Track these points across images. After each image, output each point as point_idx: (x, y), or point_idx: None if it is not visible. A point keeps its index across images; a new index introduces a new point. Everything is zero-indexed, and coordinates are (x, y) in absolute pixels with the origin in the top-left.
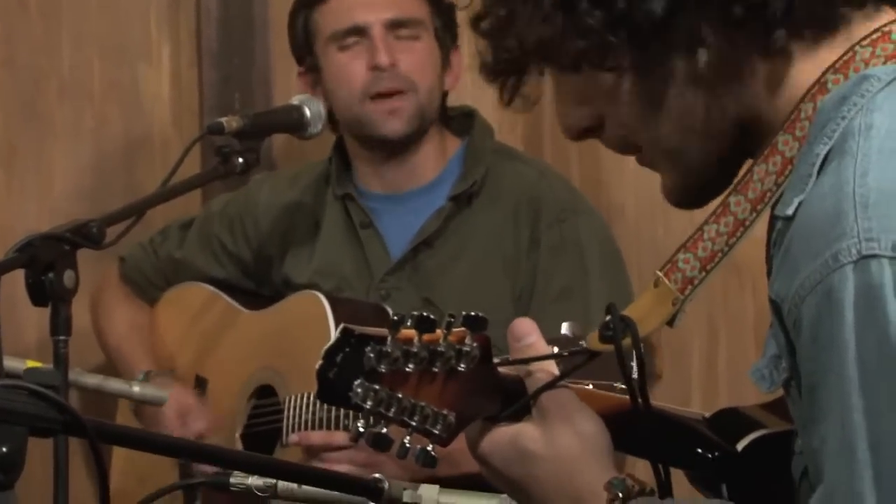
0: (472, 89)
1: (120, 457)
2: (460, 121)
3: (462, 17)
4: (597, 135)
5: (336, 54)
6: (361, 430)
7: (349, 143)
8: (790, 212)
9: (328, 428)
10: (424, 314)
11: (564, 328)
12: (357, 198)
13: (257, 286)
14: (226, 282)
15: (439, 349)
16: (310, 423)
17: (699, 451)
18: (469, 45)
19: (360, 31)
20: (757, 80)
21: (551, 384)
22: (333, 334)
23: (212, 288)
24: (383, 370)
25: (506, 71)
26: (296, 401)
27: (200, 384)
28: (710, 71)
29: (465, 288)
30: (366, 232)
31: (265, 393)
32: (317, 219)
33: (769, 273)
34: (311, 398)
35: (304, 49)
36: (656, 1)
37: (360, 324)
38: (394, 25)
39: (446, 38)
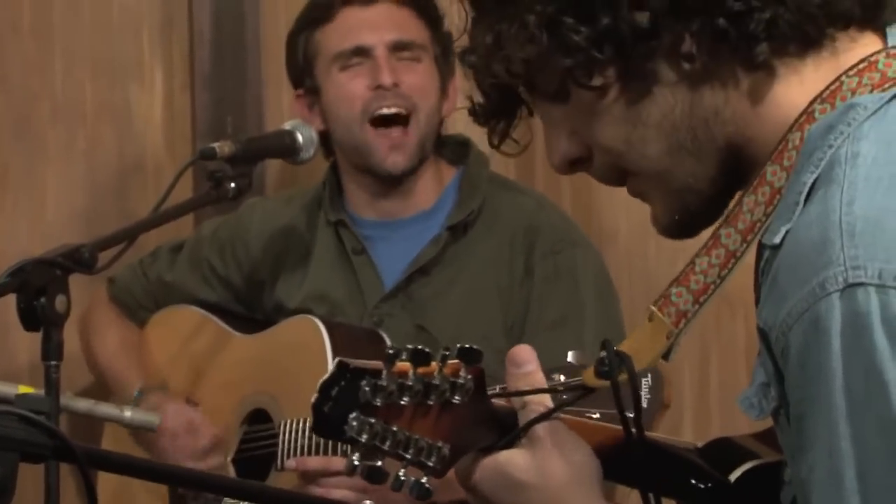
0: (464, 116)
1: (109, 481)
2: (454, 149)
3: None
4: (586, 167)
5: (337, 74)
6: (356, 462)
7: (344, 169)
8: (777, 240)
9: (325, 453)
10: (419, 348)
11: (570, 356)
12: (350, 224)
13: (248, 310)
14: (216, 305)
15: (434, 382)
16: (306, 448)
17: (692, 481)
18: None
19: (363, 52)
20: (741, 95)
21: (544, 416)
22: (330, 360)
23: (202, 311)
24: (378, 403)
25: (496, 110)
26: (291, 426)
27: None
28: (694, 83)
29: (459, 316)
30: (358, 258)
31: (258, 417)
32: (308, 244)
33: (757, 301)
34: (308, 423)
35: (304, 70)
36: (641, 13)
37: (356, 348)
38: (397, 47)
39: (444, 65)
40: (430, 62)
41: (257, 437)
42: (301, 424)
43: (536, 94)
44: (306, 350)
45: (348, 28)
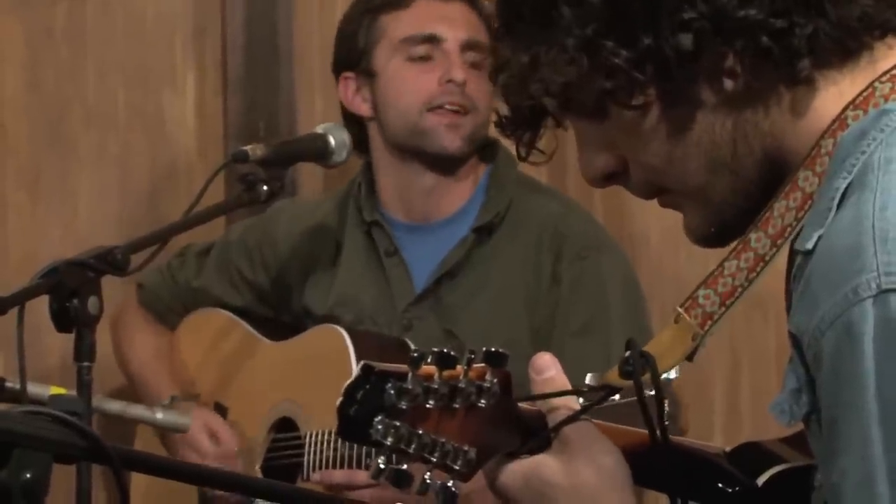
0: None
1: (140, 483)
2: (483, 150)
3: None
4: (621, 180)
5: (402, 63)
6: (382, 466)
7: (382, 165)
8: (809, 246)
9: (349, 466)
10: (445, 350)
11: (588, 379)
12: (384, 225)
13: (277, 314)
14: (244, 309)
15: (460, 385)
16: (331, 461)
17: (720, 485)
18: None
19: (435, 41)
20: (782, 109)
21: (573, 418)
22: (355, 370)
23: (231, 315)
24: (404, 407)
25: (524, 123)
26: (317, 437)
27: (221, 412)
28: (736, 101)
29: (487, 321)
30: (390, 260)
31: (285, 425)
32: (337, 247)
33: (788, 307)
34: (333, 435)
35: (361, 53)
36: (684, 35)
37: (383, 358)
38: (467, 46)
39: None
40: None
41: (284, 447)
42: (326, 436)
43: (572, 111)
44: (330, 360)
45: (424, 16)
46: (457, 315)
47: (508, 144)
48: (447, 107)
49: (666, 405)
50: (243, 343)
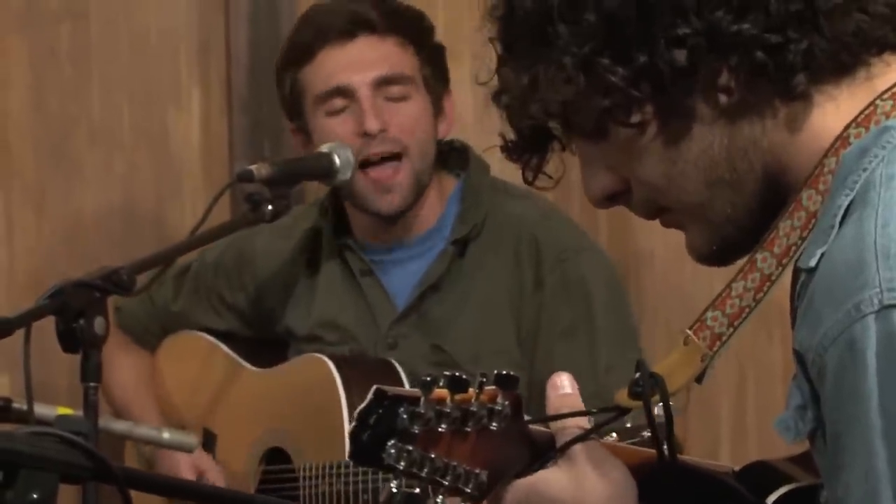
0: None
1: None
2: (453, 157)
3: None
4: (624, 201)
5: (323, 119)
6: (394, 490)
7: (347, 203)
8: (813, 263)
9: (346, 502)
10: (456, 374)
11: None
12: (355, 248)
13: (258, 335)
14: (225, 332)
15: (471, 409)
16: (326, 496)
17: None
18: (473, 91)
19: (346, 93)
20: (779, 125)
21: (581, 437)
22: (343, 398)
23: (210, 338)
24: (416, 431)
25: (529, 147)
26: (312, 471)
27: (209, 438)
28: (733, 117)
29: (474, 333)
30: (366, 280)
31: (276, 454)
32: (315, 268)
33: (793, 324)
34: (327, 469)
35: (293, 109)
36: (678, 51)
37: (369, 381)
38: (381, 84)
39: (437, 85)
40: (420, 92)
41: (276, 479)
42: (321, 470)
43: (573, 131)
44: (318, 390)
45: (329, 69)
46: (443, 329)
47: (477, 146)
48: (372, 159)
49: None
50: (227, 369)
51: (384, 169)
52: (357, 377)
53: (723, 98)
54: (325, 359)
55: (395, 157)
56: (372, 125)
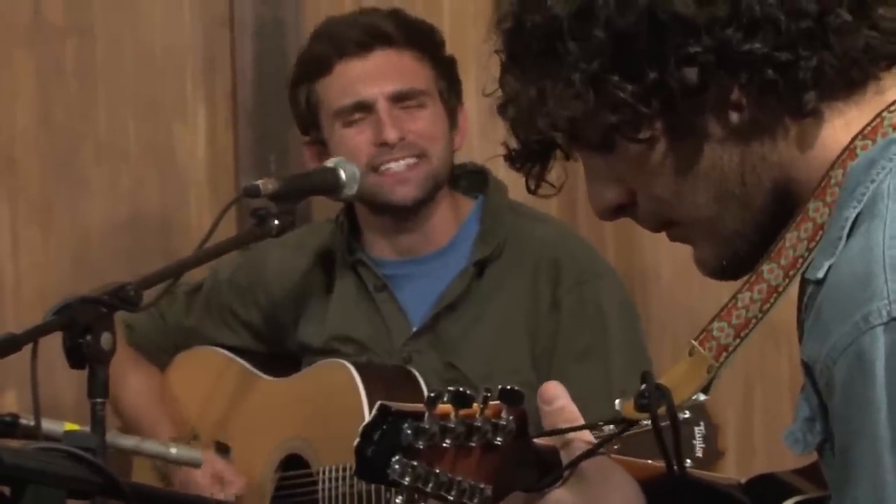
0: (479, 146)
1: None
2: (470, 179)
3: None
4: (630, 213)
5: (340, 130)
6: None
7: (360, 211)
8: (820, 275)
9: (367, 502)
10: (461, 389)
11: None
12: (369, 264)
13: (271, 350)
14: (241, 348)
15: (476, 424)
16: (347, 497)
17: None
18: (477, 102)
19: (364, 107)
20: (789, 142)
21: (590, 452)
22: (365, 402)
23: (225, 352)
24: (421, 446)
25: (532, 156)
26: (331, 473)
27: (223, 450)
28: (743, 134)
29: (488, 352)
30: (381, 296)
31: (292, 462)
32: (328, 283)
33: (800, 336)
34: (347, 470)
35: (309, 121)
36: (689, 69)
37: (391, 389)
38: (398, 98)
39: (452, 98)
40: (436, 103)
41: (294, 484)
42: (340, 472)
43: (580, 144)
44: (339, 395)
45: (347, 82)
46: (458, 347)
47: (496, 171)
48: (392, 166)
49: (702, 427)
50: (242, 380)
51: (400, 165)
52: (378, 382)
53: (733, 116)
54: (347, 363)
55: (415, 157)
56: (391, 135)
